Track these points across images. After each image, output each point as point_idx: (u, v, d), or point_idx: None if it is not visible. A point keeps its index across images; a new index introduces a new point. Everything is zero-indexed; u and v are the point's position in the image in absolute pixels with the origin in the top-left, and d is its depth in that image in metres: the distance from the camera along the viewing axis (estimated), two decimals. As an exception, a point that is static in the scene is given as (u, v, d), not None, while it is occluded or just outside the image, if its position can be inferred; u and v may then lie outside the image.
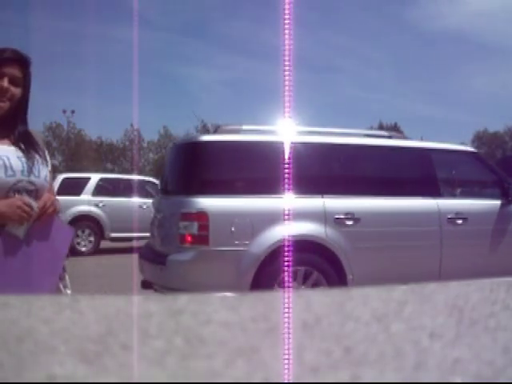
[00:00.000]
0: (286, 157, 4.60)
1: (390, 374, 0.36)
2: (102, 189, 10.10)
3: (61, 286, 1.82)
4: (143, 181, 11.11)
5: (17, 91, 1.82)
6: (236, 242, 4.21)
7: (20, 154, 1.81)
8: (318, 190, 4.47)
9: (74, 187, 9.72)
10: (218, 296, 0.50)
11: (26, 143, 1.87)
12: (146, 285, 4.64)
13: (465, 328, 0.44)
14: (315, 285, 4.33)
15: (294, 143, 4.65)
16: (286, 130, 4.81)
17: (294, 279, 4.26)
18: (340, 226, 4.40)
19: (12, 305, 0.47)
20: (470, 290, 0.56)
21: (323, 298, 0.52)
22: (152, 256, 4.63)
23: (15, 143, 1.83)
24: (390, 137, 5.21)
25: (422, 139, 5.23)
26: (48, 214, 1.78)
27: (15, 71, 1.82)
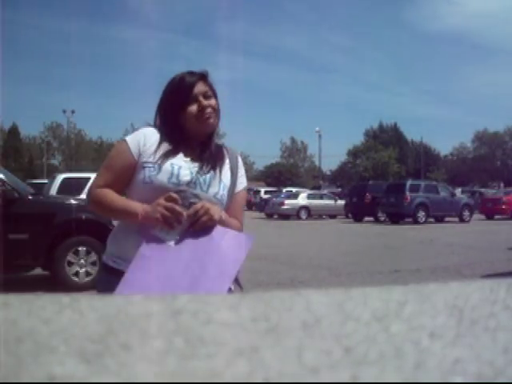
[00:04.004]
0: None
1: (390, 374, 0.37)
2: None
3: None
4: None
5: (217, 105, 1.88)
6: None
7: (196, 167, 1.81)
8: None
9: (73, 187, 9.72)
10: (218, 296, 0.50)
11: (212, 159, 1.87)
12: None
13: (465, 328, 0.44)
14: None
15: None
16: None
17: None
18: None
19: (12, 305, 0.47)
20: (469, 290, 0.56)
21: (323, 298, 0.51)
22: None
23: (202, 158, 1.85)
24: None
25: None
26: (203, 222, 1.72)
27: (207, 86, 1.88)
